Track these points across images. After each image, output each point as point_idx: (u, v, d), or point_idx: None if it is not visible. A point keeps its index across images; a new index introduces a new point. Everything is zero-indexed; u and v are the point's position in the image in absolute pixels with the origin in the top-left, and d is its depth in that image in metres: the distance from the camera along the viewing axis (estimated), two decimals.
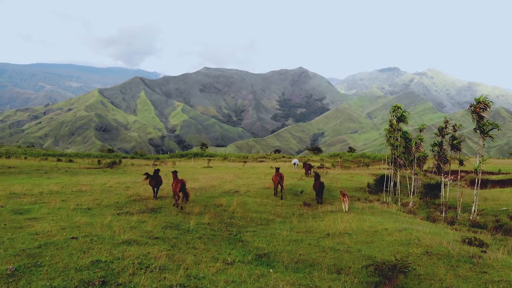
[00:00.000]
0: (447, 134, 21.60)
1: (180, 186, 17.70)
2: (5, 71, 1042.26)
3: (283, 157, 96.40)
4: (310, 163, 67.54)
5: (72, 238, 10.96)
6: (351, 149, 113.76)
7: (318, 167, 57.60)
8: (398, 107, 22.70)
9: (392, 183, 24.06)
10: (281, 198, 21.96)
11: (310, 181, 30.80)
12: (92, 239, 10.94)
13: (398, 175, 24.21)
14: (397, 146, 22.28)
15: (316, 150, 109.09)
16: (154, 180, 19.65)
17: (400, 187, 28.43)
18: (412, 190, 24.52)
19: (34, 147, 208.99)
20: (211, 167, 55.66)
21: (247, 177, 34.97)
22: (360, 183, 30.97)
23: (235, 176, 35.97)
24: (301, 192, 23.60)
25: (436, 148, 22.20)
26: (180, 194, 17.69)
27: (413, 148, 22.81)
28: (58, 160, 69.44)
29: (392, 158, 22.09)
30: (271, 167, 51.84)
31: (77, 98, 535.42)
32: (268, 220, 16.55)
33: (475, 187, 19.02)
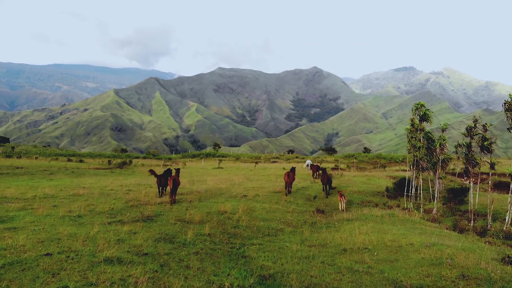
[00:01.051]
0: (476, 134, 19.56)
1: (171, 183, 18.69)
2: (23, 71, 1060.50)
3: (297, 157, 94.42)
4: (324, 164, 65.64)
5: (46, 254, 9.43)
6: (366, 150, 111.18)
7: (333, 169, 55.61)
8: (421, 105, 20.67)
9: (413, 188, 22.03)
10: (287, 194, 23.09)
11: (321, 184, 29.04)
12: (68, 256, 9.39)
13: (421, 179, 22.18)
14: (419, 147, 20.27)
15: (330, 150, 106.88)
16: (163, 178, 20.42)
17: (420, 191, 26.44)
18: (435, 195, 22.52)
19: (50, 146, 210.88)
20: (221, 168, 54.15)
21: (257, 179, 33.33)
22: (378, 187, 29.03)
23: (245, 178, 34.33)
24: (314, 197, 21.84)
25: (463, 150, 20.16)
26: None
27: (438, 149, 20.83)
28: (69, 160, 68.75)
29: (414, 160, 20.08)
30: (283, 168, 50.08)
31: (93, 98, 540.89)
32: (277, 230, 14.83)
33: (510, 193, 16.97)
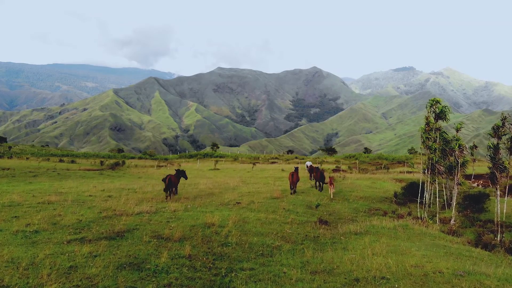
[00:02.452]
0: (504, 134, 17.13)
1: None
2: (22, 71, 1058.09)
3: (296, 158, 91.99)
4: (325, 165, 63.05)
5: None
6: (367, 150, 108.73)
7: (334, 170, 53.23)
8: (437, 101, 18.11)
9: (426, 194, 19.46)
10: (293, 193, 24.07)
11: (326, 189, 26.66)
12: None
13: (437, 185, 19.68)
14: (435, 149, 17.77)
15: (330, 150, 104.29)
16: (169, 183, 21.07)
17: (432, 197, 24.12)
18: (451, 202, 20.13)
19: (49, 146, 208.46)
20: (218, 169, 51.75)
21: (254, 182, 30.96)
22: (385, 191, 26.62)
23: (241, 181, 31.96)
24: (317, 206, 19.42)
25: (489, 152, 17.69)
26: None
27: (457, 152, 18.40)
28: (60, 161, 66.36)
29: (428, 164, 17.59)
30: (282, 170, 47.71)
31: (92, 98, 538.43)
32: (273, 247, 12.40)
33: None
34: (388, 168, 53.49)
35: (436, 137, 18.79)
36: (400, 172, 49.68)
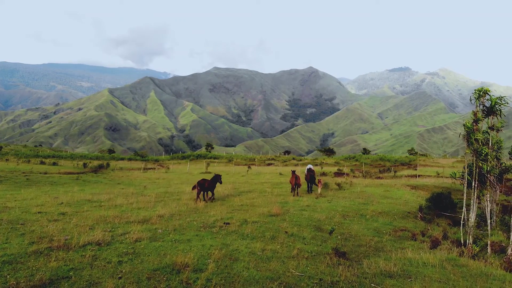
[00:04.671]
0: None
1: None
2: (17, 71, 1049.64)
3: (294, 159, 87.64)
4: (325, 167, 58.53)
5: None
6: (365, 151, 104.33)
7: (336, 174, 48.89)
8: (485, 92, 13.61)
9: (472, 213, 14.91)
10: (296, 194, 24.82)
11: (335, 201, 22.28)
12: None
13: (488, 202, 15.16)
14: (486, 154, 13.25)
15: (329, 151, 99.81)
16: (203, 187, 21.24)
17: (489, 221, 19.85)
18: (489, 219, 15.84)
19: (42, 146, 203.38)
20: (209, 172, 47.27)
21: (249, 190, 26.56)
22: (404, 203, 22.20)
23: (233, 189, 27.58)
24: (331, 232, 14.83)
25: None
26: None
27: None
28: (41, 162, 61.69)
29: (475, 173, 13.16)
30: (280, 174, 43.32)
31: (87, 97, 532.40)
32: None
33: None
34: (396, 172, 49.18)
35: (490, 138, 14.30)
36: (409, 175, 45.48)
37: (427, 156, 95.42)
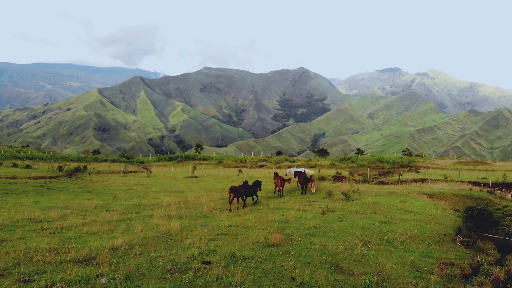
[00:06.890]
0: None
1: None
2: (6, 70, 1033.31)
3: (286, 160, 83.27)
4: (321, 169, 53.66)
5: None
6: (359, 151, 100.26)
7: (334, 177, 44.58)
8: None
9: None
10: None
11: (348, 218, 17.78)
12: None
13: None
14: None
15: (323, 152, 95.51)
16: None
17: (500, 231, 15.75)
18: None
19: (29, 147, 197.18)
20: (196, 177, 42.68)
21: (240, 202, 22.12)
22: (432, 221, 17.50)
23: (220, 199, 23.14)
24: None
25: None
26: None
27: None
28: (14, 165, 56.62)
29: None
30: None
31: (77, 97, 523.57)
32: None
33: None
34: (399, 175, 45.02)
35: None
36: (415, 180, 41.44)
37: (423, 156, 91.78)
